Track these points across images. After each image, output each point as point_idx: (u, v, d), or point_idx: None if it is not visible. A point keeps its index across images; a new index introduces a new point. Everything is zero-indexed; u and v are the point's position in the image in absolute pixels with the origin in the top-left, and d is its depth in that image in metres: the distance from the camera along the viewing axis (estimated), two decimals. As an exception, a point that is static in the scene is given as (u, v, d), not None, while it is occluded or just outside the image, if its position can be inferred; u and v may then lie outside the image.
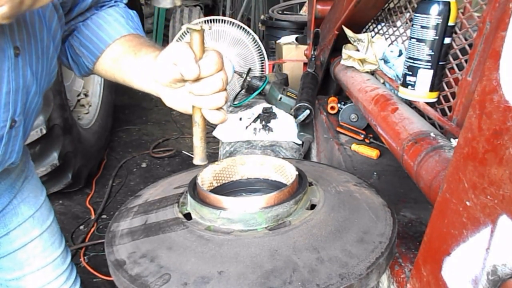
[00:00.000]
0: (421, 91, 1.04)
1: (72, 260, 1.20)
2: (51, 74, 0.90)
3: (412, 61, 1.04)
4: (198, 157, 0.77)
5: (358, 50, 1.47)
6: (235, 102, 2.68)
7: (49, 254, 1.10)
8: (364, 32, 1.59)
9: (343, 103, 1.77)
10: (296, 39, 3.39)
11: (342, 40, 1.58)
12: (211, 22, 3.95)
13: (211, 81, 0.69)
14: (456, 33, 1.01)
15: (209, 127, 4.42)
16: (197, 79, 0.69)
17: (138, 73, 0.84)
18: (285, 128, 2.17)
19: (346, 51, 1.49)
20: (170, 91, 0.78)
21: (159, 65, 0.75)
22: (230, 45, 3.47)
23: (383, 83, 1.33)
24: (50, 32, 0.83)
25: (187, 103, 0.77)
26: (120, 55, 0.88)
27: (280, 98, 2.20)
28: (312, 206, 0.75)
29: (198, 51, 0.69)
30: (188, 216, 0.75)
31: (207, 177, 0.82)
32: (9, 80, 0.76)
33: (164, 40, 6.14)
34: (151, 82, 0.82)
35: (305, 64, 2.79)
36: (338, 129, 1.65)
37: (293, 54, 3.23)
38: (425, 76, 1.03)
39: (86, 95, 3.38)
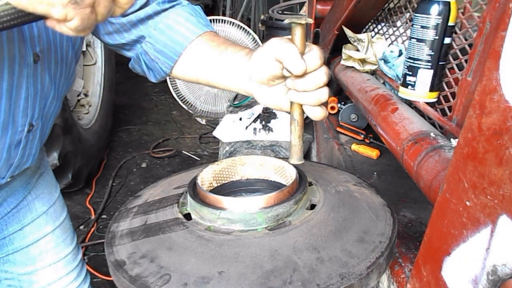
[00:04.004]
0: (421, 91, 1.04)
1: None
2: (70, 79, 0.89)
3: (412, 61, 1.04)
4: (296, 156, 0.75)
5: (358, 50, 1.46)
6: (235, 102, 2.68)
7: (61, 250, 1.11)
8: (364, 32, 1.59)
9: (343, 103, 1.77)
10: (296, 39, 3.38)
11: (342, 40, 1.58)
12: (211, 22, 3.95)
13: (316, 76, 0.68)
14: (456, 33, 1.01)
15: (209, 127, 4.38)
16: (302, 75, 0.67)
17: (226, 73, 0.82)
18: (285, 128, 2.17)
19: (346, 51, 1.49)
20: (264, 89, 0.77)
21: (258, 61, 0.73)
22: (230, 45, 3.46)
23: (383, 83, 1.33)
24: (71, 38, 0.82)
25: (282, 100, 0.75)
26: (203, 56, 0.85)
27: (280, 98, 2.20)
28: (312, 206, 0.75)
29: (301, 46, 0.68)
30: (188, 216, 0.75)
31: (207, 177, 0.82)
32: (28, 86, 0.76)
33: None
34: (243, 81, 0.80)
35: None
36: (338, 129, 1.65)
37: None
38: (425, 76, 1.03)
39: (86, 95, 3.38)
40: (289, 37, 0.70)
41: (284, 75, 0.71)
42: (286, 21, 0.69)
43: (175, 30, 0.86)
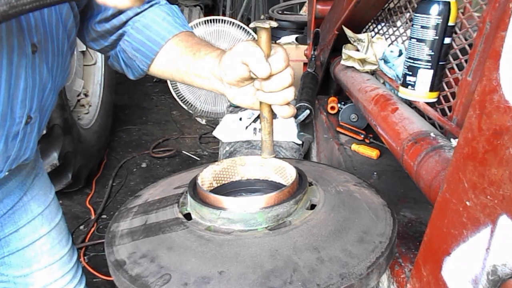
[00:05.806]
0: (421, 91, 1.04)
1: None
2: (65, 72, 0.91)
3: (412, 61, 1.04)
4: (267, 150, 0.80)
5: (358, 50, 1.47)
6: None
7: (56, 252, 1.11)
8: (364, 32, 1.59)
9: (343, 103, 1.77)
10: (296, 39, 3.39)
11: (342, 40, 1.58)
12: (211, 22, 3.96)
13: (281, 77, 0.71)
14: (456, 33, 1.01)
15: (209, 127, 4.39)
16: (268, 77, 0.70)
17: (199, 73, 0.85)
18: (285, 128, 2.17)
19: (346, 51, 1.49)
20: (235, 89, 0.80)
21: (226, 65, 0.76)
22: (230, 45, 3.47)
23: (383, 83, 1.33)
24: (66, 30, 0.83)
25: (253, 99, 0.79)
26: (177, 56, 0.88)
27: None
28: (312, 206, 0.75)
29: (266, 49, 0.71)
30: (188, 216, 0.75)
31: (207, 178, 0.82)
32: (26, 76, 0.77)
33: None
34: (214, 81, 0.83)
35: (305, 64, 2.80)
36: (338, 129, 1.65)
37: (293, 54, 3.23)
38: (425, 76, 1.03)
39: (86, 95, 3.38)
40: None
41: (252, 77, 0.74)
42: (251, 25, 0.72)
43: (152, 29, 0.89)
